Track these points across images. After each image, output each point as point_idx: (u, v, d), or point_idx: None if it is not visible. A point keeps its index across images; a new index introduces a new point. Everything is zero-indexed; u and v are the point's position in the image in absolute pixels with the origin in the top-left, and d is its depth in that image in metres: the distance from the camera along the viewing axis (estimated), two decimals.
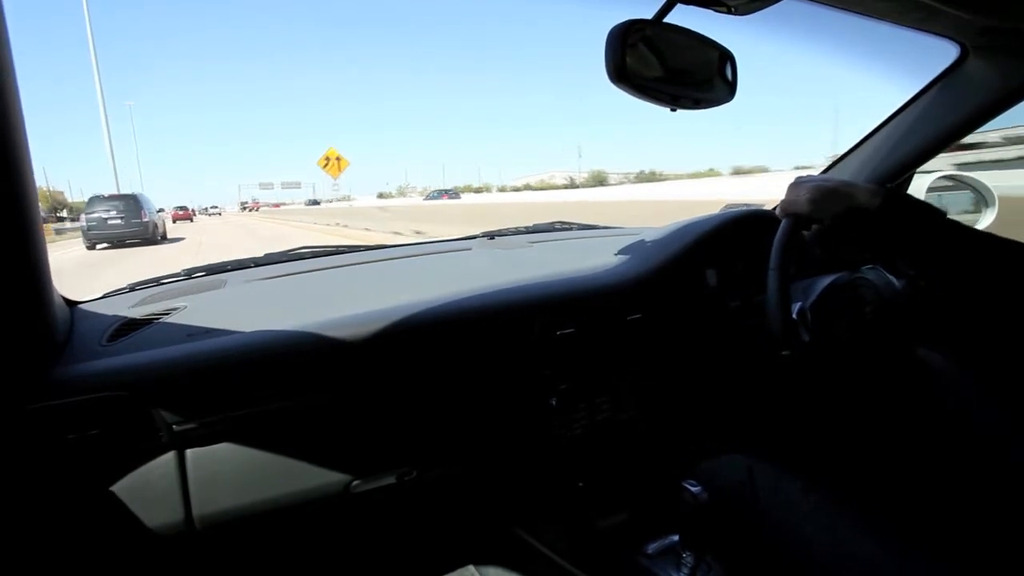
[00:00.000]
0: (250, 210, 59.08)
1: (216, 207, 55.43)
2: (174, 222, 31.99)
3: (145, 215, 12.49)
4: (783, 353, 0.68)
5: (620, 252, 1.03)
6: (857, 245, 0.78)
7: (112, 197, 12.66)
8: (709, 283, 0.97)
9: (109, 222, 12.13)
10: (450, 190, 45.23)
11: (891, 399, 0.88)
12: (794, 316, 0.72)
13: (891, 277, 0.75)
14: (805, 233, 0.73)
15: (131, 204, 12.44)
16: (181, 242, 13.42)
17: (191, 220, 33.38)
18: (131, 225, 12.28)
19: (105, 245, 12.34)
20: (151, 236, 12.64)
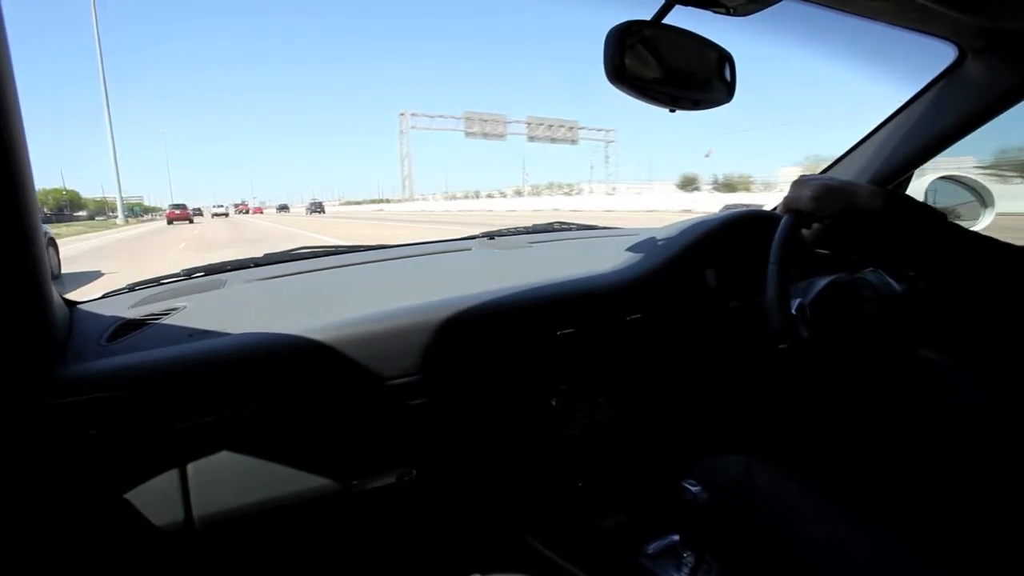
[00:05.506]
0: (240, 212, 61.82)
1: (222, 206, 56.24)
2: (169, 223, 28.63)
3: None
4: (781, 347, 0.68)
5: (620, 252, 1.03)
6: (857, 245, 0.78)
7: None
8: (709, 283, 0.97)
9: None
10: (317, 201, 40.84)
11: (890, 398, 0.88)
12: (793, 312, 0.72)
13: (891, 280, 0.75)
14: (805, 232, 0.73)
15: None
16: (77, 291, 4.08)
17: (190, 221, 30.60)
18: None
19: None
20: None
